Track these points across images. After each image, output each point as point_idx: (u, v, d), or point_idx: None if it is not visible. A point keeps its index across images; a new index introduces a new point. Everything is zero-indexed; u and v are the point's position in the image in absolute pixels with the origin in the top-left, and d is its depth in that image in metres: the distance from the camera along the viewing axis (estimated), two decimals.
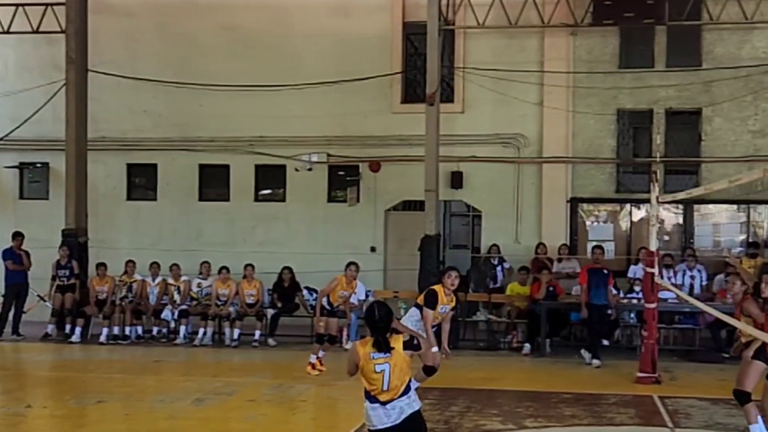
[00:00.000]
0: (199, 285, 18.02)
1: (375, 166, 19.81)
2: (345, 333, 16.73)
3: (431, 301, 10.72)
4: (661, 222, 18.30)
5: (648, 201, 14.22)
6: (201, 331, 17.33)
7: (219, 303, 17.51)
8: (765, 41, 18.59)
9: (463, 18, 19.03)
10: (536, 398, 11.96)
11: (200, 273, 18.11)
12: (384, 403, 6.59)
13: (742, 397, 9.40)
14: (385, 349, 6.58)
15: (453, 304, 11.06)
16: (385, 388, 6.57)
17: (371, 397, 6.63)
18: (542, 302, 16.26)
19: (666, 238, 19.20)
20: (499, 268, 18.55)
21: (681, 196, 13.42)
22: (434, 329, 10.78)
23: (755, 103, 18.64)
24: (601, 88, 19.04)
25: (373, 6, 19.88)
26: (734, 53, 18.67)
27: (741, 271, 13.24)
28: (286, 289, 17.93)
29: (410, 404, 6.65)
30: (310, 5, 20.12)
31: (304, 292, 18.04)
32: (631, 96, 19.11)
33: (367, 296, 17.68)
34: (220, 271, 17.76)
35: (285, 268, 18.04)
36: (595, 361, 14.83)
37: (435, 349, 9.80)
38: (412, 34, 20.03)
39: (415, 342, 6.79)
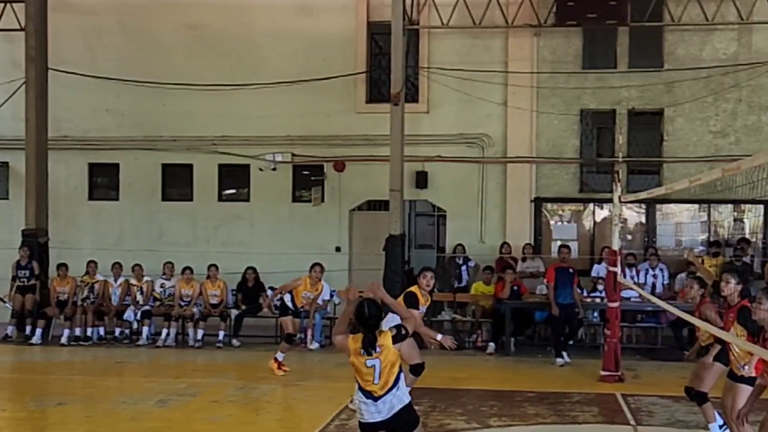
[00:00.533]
0: (162, 285, 17.89)
1: (339, 165, 19.78)
2: (309, 333, 16.68)
3: (413, 304, 10.54)
4: (624, 221, 18.44)
5: (611, 201, 14.33)
6: (164, 331, 17.17)
7: (182, 303, 17.39)
8: (725, 42, 18.80)
9: (427, 18, 19.07)
10: (500, 397, 12.00)
11: (163, 273, 17.96)
12: (376, 399, 6.71)
13: (700, 398, 9.58)
14: (373, 350, 6.69)
15: (429, 303, 11.05)
16: (376, 381, 6.70)
17: (364, 392, 6.76)
18: (507, 301, 16.30)
19: (629, 237, 19.38)
20: (464, 268, 18.58)
21: (643, 195, 13.52)
22: None
23: (716, 104, 18.85)
24: (565, 88, 19.16)
25: (337, 5, 19.83)
26: (695, 54, 18.87)
27: (701, 269, 13.40)
28: (250, 289, 17.86)
29: (400, 399, 6.77)
30: (273, 4, 20.02)
31: (269, 292, 17.89)
32: (594, 96, 19.25)
33: (331, 296, 17.61)
34: (183, 272, 17.64)
35: (249, 268, 17.99)
36: (559, 360, 14.93)
37: (440, 336, 9.74)
38: (377, 34, 20.04)
39: (403, 332, 6.86)
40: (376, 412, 6.73)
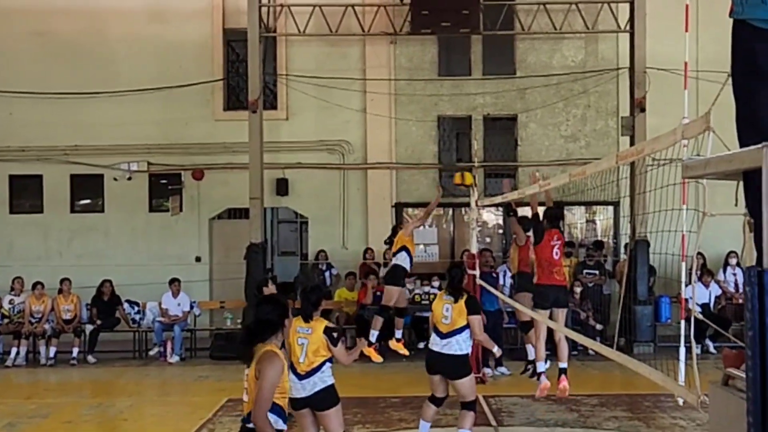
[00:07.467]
0: (11, 302, 17.16)
1: (198, 174, 19.43)
2: (169, 347, 16.36)
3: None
4: (483, 225, 18.82)
5: (469, 205, 14.58)
6: (13, 350, 16.46)
7: (33, 320, 16.73)
8: (573, 50, 19.47)
9: (284, 25, 18.95)
10: (365, 404, 12.02)
11: (12, 289, 17.24)
12: (300, 377, 7.51)
13: (524, 327, 11.66)
14: (306, 325, 7.57)
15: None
16: (301, 360, 7.54)
17: (293, 369, 7.49)
18: (370, 307, 16.35)
19: (488, 240, 19.76)
20: (327, 274, 18.57)
21: (498, 200, 13.81)
22: None
23: (566, 110, 19.48)
24: (422, 95, 19.41)
25: (192, 12, 19.49)
26: (545, 62, 19.46)
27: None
28: (106, 303, 17.33)
29: (323, 380, 7.58)
30: (125, 11, 19.48)
31: (125, 305, 17.46)
32: (450, 103, 19.58)
33: (191, 307, 17.31)
34: (34, 287, 16.99)
35: (105, 281, 17.45)
36: (501, 369, 14.61)
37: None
38: (234, 41, 19.83)
39: (335, 335, 7.64)
40: (301, 388, 7.50)
